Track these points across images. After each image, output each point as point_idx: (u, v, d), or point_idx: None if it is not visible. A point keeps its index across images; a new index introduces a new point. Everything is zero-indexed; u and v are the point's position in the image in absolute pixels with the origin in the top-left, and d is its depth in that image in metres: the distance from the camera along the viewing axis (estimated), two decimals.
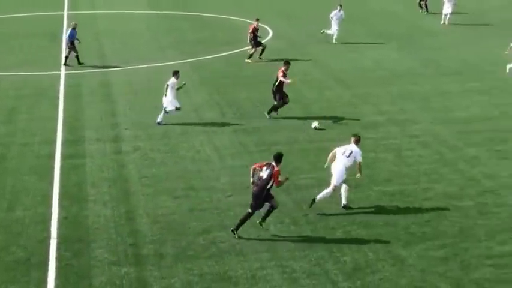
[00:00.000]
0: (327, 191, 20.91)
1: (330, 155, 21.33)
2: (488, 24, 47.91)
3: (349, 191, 21.12)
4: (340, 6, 43.39)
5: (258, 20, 39.50)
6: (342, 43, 42.13)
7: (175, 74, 28.49)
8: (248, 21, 43.92)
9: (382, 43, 42.61)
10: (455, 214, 20.58)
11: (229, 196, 21.87)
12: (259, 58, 38.66)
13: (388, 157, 25.02)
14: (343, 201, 21.14)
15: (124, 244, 19.01)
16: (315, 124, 28.06)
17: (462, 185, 22.58)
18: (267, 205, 19.46)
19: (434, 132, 27.44)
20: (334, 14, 42.91)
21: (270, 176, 19.13)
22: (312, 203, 20.88)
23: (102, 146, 26.07)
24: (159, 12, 52.32)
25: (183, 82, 29.25)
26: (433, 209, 20.90)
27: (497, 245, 18.84)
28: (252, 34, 38.68)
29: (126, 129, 27.82)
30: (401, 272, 17.77)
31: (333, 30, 42.84)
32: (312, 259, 18.32)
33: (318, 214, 20.60)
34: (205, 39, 43.51)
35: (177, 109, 28.48)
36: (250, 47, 39.06)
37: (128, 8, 53.63)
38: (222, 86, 33.72)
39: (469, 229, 19.70)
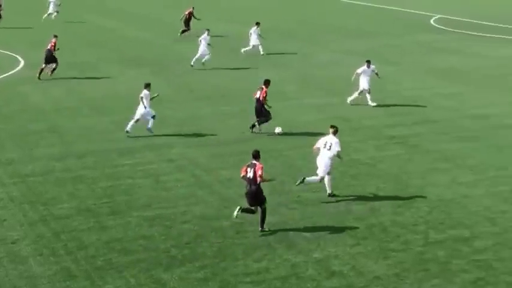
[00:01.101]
0: (316, 178, 23.43)
1: (314, 147, 23.68)
2: (233, 48, 49.51)
3: (332, 180, 23.46)
4: (208, 30, 44.62)
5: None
6: (95, 70, 41.81)
7: (147, 86, 30.23)
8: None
9: (135, 69, 42.78)
10: (214, 235, 20.97)
11: None
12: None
13: (146, 182, 25.08)
14: (328, 191, 23.48)
15: None
16: (278, 130, 29.98)
17: (219, 206, 23.07)
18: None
19: (189, 156, 27.86)
20: (203, 38, 43.66)
21: (254, 174, 20.74)
22: (301, 182, 23.34)
23: None
24: None
25: (156, 94, 30.80)
26: (192, 231, 21.17)
27: (253, 262, 19.40)
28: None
29: None
30: None
31: (202, 52, 43.63)
32: None
33: (76, 245, 20.22)
34: None
35: (153, 117, 30.11)
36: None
37: None
38: None
39: (227, 248, 20.14)
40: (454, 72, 42.37)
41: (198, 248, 20.18)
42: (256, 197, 21.08)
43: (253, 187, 20.99)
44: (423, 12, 68.64)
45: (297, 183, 23.67)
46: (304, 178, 23.55)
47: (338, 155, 23.43)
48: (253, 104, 30.63)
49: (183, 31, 54.34)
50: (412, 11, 70.38)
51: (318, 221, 21.91)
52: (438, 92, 37.27)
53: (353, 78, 35.23)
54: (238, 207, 21.24)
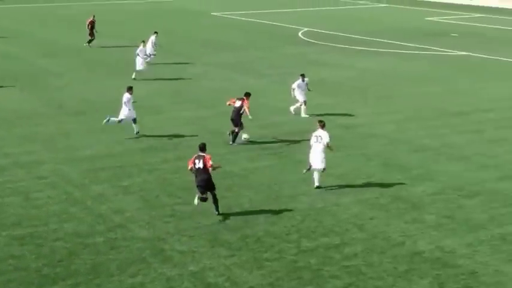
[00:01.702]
0: (315, 175, 25.50)
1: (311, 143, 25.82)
2: (109, 64, 49.01)
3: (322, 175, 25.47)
4: (144, 42, 45.25)
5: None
6: None
7: (130, 89, 31.85)
8: None
9: (5, 86, 41.74)
10: (87, 251, 20.62)
11: None
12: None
13: (16, 200, 24.43)
14: (316, 183, 25.49)
15: None
16: (245, 136, 30.85)
17: (91, 222, 22.71)
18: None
19: (61, 172, 27.33)
20: (140, 51, 44.29)
21: (204, 164, 22.43)
22: (308, 170, 25.64)
23: None
24: None
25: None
26: (64, 249, 20.75)
27: (128, 277, 19.17)
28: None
29: None
30: None
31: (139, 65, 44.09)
32: None
33: None
34: None
35: (134, 120, 31.72)
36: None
37: None
38: None
39: (101, 265, 19.85)
40: (323, 83, 43.24)
41: (71, 265, 19.79)
42: (209, 184, 22.81)
43: (205, 175, 22.73)
44: (291, 26, 69.83)
45: (304, 171, 25.78)
46: (310, 167, 25.64)
47: (328, 147, 25.53)
48: (230, 113, 31.10)
49: (90, 41, 55.52)
50: (281, 24, 71.49)
51: (193, 233, 21.88)
52: (308, 103, 37.94)
53: (292, 94, 35.88)
54: (197, 196, 22.77)
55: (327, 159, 25.85)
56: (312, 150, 25.81)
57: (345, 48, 56.64)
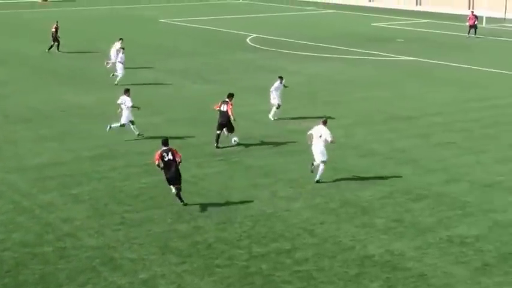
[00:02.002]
0: (322, 167, 26.76)
1: (308, 136, 27.13)
2: (57, 72, 48.50)
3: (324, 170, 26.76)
4: (123, 48, 45.13)
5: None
6: None
7: (127, 91, 32.58)
8: None
9: None
10: (36, 261, 20.33)
11: None
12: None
13: None
14: (317, 177, 26.80)
15: None
16: (235, 138, 31.42)
17: (40, 231, 22.40)
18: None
19: (8, 181, 26.94)
20: (120, 58, 44.39)
21: (174, 156, 24.05)
22: (312, 165, 27.01)
23: None
24: None
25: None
26: (12, 259, 20.44)
27: (78, 287, 18.94)
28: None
29: None
30: None
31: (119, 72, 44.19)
32: None
33: None
34: None
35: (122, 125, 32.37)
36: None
37: None
38: None
39: (50, 275, 19.58)
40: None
41: (19, 275, 19.50)
42: (179, 176, 24.23)
43: (174, 168, 24.09)
44: (239, 32, 69.89)
45: (311, 170, 27.05)
46: (312, 164, 27.04)
47: (331, 142, 26.99)
48: (217, 117, 31.44)
49: (51, 46, 56.02)
50: (229, 30, 71.51)
51: (143, 241, 21.73)
52: (258, 108, 37.99)
53: (271, 98, 36.33)
54: (173, 187, 24.16)
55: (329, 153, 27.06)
56: (313, 146, 27.11)
57: (293, 53, 56.87)
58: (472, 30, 67.60)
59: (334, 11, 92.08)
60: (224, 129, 31.53)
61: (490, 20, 75.09)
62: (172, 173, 24.12)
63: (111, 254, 20.80)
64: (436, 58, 55.33)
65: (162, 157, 24.04)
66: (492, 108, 38.82)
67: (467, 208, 24.62)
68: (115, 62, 46.17)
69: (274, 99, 36.38)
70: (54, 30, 56.16)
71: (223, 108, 31.24)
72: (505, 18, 76.83)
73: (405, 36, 68.01)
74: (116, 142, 31.99)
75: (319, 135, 26.97)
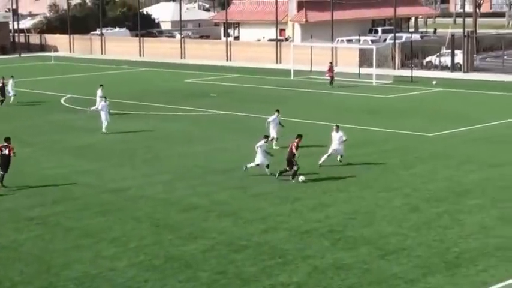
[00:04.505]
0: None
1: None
2: None
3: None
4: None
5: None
6: None
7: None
8: None
9: None
10: None
11: None
12: None
13: None
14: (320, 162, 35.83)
15: None
16: (302, 178, 34.12)
17: None
18: None
19: None
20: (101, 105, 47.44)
21: (9, 151, 32.77)
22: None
23: None
24: None
25: None
26: None
27: None
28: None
29: None
30: None
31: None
32: None
33: None
34: None
35: None
36: None
37: None
38: None
39: None
40: (90, 149, 42.68)
41: None
42: (8, 165, 33.11)
43: (8, 159, 33.01)
44: (53, 93, 68.63)
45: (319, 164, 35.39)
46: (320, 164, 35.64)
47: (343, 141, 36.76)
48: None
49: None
50: (43, 92, 70.04)
51: None
52: (76, 169, 37.26)
53: (267, 127, 41.15)
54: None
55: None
56: (333, 144, 36.63)
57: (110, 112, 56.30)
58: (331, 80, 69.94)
59: (147, 68, 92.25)
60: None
61: (297, 72, 77.79)
62: (4, 163, 33.08)
63: None
64: (249, 111, 56.50)
65: (1, 150, 32.75)
66: (309, 156, 39.93)
67: (287, 256, 25.09)
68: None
69: (272, 131, 41.26)
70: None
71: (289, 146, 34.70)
72: (311, 71, 79.88)
73: (218, 91, 69.14)
74: None
75: (341, 138, 36.85)
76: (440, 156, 38.30)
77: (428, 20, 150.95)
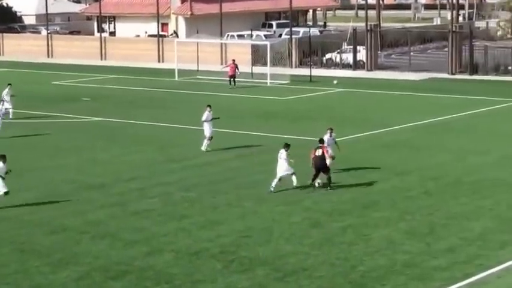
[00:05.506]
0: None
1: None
2: None
3: None
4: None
5: None
6: None
7: None
8: None
9: None
10: None
11: None
12: None
13: None
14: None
15: None
16: (318, 181, 35.23)
17: None
18: None
19: None
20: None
21: None
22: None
23: None
24: None
25: None
26: None
27: None
28: None
29: None
30: None
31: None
32: None
33: None
34: None
35: None
36: None
37: None
38: None
39: None
40: None
41: None
42: None
43: None
44: None
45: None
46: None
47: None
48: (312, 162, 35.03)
49: None
50: None
51: None
52: None
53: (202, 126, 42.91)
54: None
55: None
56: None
57: None
58: (232, 80, 70.05)
59: (7, 69, 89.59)
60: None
61: (182, 72, 77.64)
62: None
63: None
64: (128, 116, 56.04)
65: None
66: (192, 168, 39.89)
67: (175, 281, 24.97)
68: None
69: (207, 131, 42.98)
70: None
71: (318, 153, 34.85)
72: (198, 70, 79.82)
73: (91, 94, 68.33)
74: None
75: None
76: (343, 164, 38.91)
77: (327, 12, 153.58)
